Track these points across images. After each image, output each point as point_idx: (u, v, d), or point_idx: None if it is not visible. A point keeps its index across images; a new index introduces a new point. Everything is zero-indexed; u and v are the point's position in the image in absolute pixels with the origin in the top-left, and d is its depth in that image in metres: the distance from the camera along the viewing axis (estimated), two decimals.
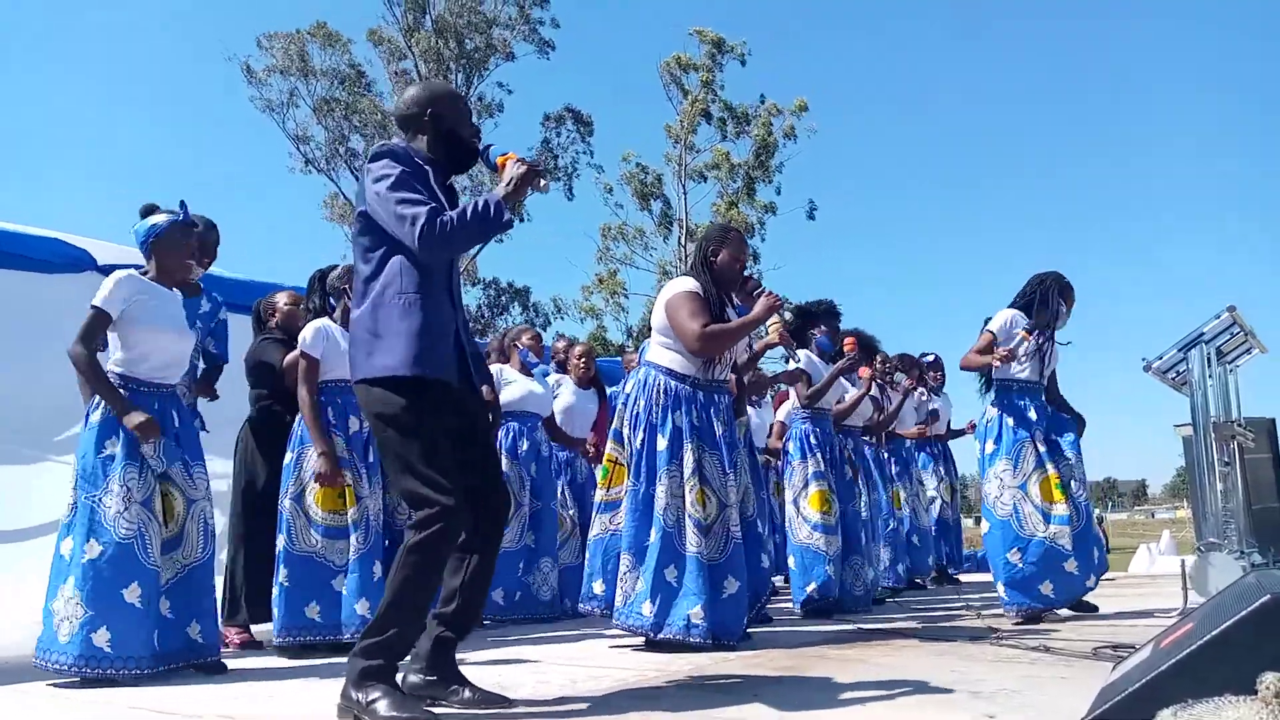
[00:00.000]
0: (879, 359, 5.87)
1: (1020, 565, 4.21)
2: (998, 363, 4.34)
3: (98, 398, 3.17)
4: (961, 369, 4.61)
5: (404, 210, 2.36)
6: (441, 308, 2.47)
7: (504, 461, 4.82)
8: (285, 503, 3.75)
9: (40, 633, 3.09)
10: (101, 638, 2.98)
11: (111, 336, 3.24)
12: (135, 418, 3.10)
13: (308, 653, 3.64)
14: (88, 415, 3.20)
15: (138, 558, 3.06)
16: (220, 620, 3.67)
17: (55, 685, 3.02)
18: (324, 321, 3.89)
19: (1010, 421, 4.39)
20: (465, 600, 2.50)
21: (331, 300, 3.99)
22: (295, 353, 3.90)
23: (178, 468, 3.27)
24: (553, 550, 4.97)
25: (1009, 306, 4.54)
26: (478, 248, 25.34)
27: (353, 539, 3.70)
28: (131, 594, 3.03)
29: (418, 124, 2.58)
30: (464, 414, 2.52)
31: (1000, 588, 4.28)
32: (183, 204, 3.38)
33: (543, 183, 2.47)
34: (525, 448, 4.96)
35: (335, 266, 4.04)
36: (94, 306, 3.17)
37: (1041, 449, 4.34)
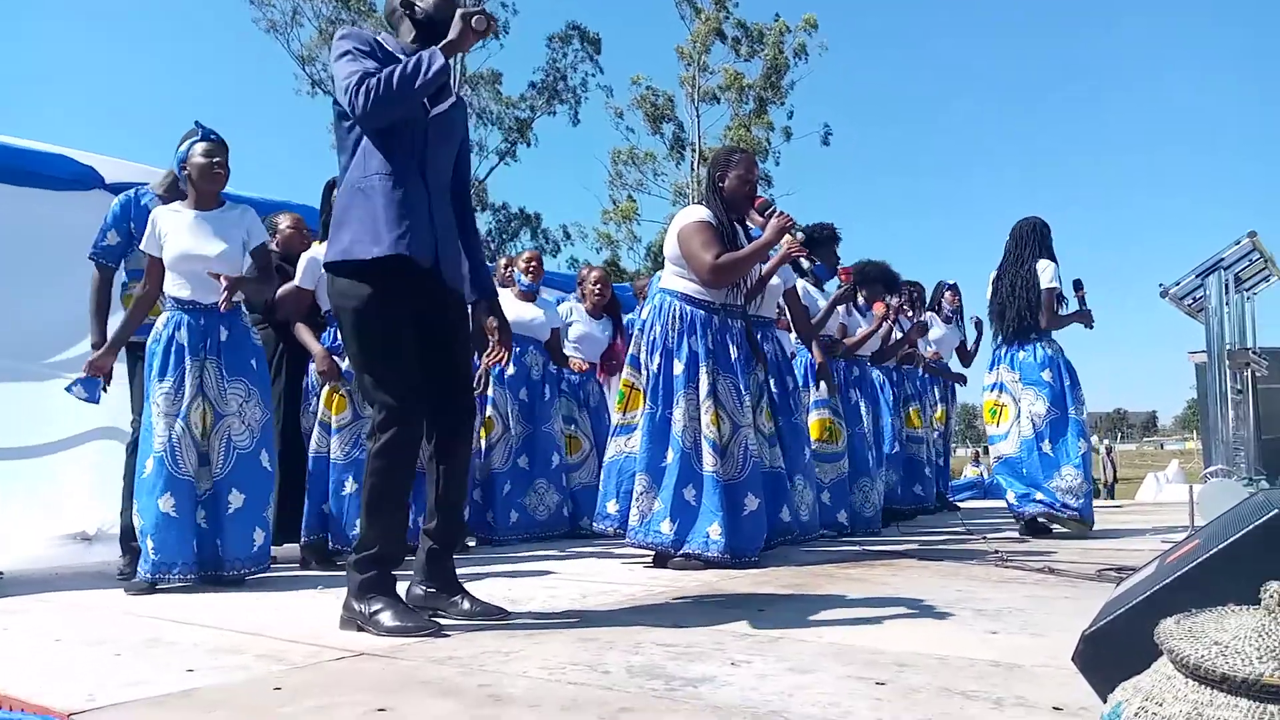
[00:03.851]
0: (893, 297, 5.79)
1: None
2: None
3: (153, 324, 3.36)
4: (1054, 329, 4.72)
5: (342, 74, 2.30)
6: (410, 188, 2.37)
7: (490, 387, 4.86)
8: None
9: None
10: (149, 545, 3.17)
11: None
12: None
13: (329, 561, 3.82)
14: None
15: (167, 469, 3.21)
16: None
17: (78, 592, 3.12)
18: (321, 249, 3.84)
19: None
20: (444, 513, 2.51)
21: None
22: (290, 285, 3.92)
23: (214, 383, 3.35)
24: (549, 472, 4.96)
25: (1042, 258, 4.70)
26: (486, 170, 25.05)
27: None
28: (166, 503, 3.19)
29: (397, 15, 2.54)
30: (435, 310, 2.43)
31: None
32: (197, 124, 3.44)
33: (478, 21, 2.30)
34: (513, 372, 4.93)
35: None
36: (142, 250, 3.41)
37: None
